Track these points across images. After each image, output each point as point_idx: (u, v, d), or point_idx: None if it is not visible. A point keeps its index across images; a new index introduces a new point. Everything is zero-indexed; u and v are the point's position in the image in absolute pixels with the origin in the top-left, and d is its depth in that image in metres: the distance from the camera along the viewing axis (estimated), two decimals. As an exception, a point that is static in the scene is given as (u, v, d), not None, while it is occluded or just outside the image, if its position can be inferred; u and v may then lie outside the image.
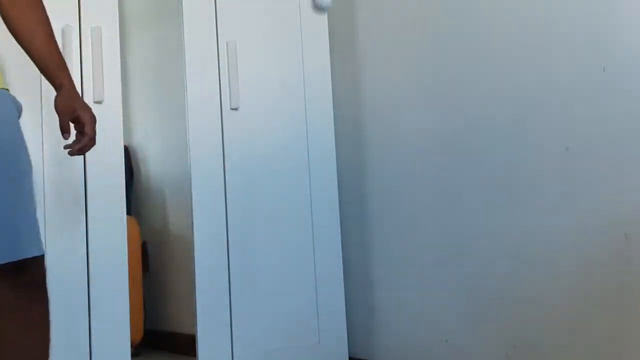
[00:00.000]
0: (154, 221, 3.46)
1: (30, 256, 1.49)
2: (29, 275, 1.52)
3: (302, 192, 2.58)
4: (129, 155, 3.44)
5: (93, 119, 1.70)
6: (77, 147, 1.69)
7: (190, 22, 2.45)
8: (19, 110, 1.62)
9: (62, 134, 1.70)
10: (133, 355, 2.31)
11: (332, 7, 2.67)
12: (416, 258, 2.53)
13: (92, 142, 1.70)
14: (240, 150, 2.48)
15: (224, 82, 2.47)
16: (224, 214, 2.43)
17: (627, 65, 1.93)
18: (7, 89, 1.60)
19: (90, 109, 1.72)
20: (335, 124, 2.67)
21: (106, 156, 2.22)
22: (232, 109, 2.47)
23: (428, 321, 2.48)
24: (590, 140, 2.02)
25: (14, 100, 1.60)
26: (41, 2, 1.70)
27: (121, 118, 2.30)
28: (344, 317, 2.62)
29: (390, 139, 2.65)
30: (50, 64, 1.69)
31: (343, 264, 2.63)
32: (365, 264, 2.71)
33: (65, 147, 1.71)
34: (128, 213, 2.34)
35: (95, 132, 1.70)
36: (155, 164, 3.47)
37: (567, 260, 2.06)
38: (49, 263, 1.56)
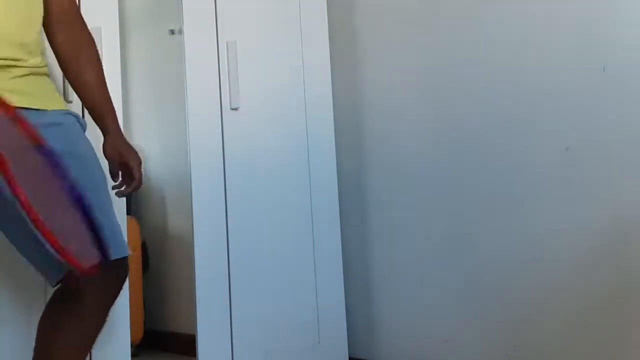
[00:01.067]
0: (154, 221, 3.46)
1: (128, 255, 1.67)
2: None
3: (302, 192, 2.58)
4: (129, 156, 3.43)
5: (140, 163, 1.80)
6: (127, 190, 1.80)
7: (190, 22, 2.45)
8: (83, 127, 1.73)
9: (112, 178, 1.79)
10: (133, 355, 2.31)
11: None
12: (416, 258, 2.53)
13: (139, 184, 1.80)
14: (240, 150, 2.48)
15: (224, 82, 2.47)
16: (224, 213, 2.43)
17: (627, 65, 1.93)
18: (69, 109, 1.71)
19: (137, 152, 1.81)
20: (335, 123, 2.67)
21: (106, 156, 2.21)
22: (232, 109, 2.47)
23: (428, 321, 2.48)
24: (590, 140, 2.02)
25: (78, 119, 1.72)
26: (95, 45, 1.80)
27: (121, 118, 2.29)
28: (344, 317, 2.62)
29: (390, 139, 2.65)
30: (100, 109, 1.79)
31: (343, 264, 2.63)
32: (365, 264, 2.71)
33: (114, 188, 1.80)
34: (128, 213, 2.34)
35: (142, 174, 1.80)
36: (155, 164, 3.47)
37: (567, 260, 2.06)
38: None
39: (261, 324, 2.45)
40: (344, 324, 2.61)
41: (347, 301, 2.65)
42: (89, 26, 2.24)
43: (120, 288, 1.70)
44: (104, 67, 2.26)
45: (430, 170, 2.48)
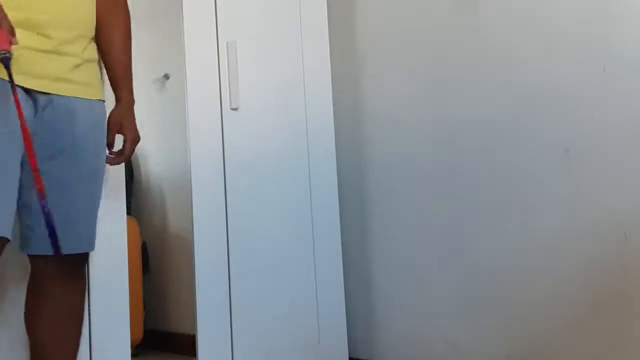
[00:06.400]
0: (154, 221, 3.46)
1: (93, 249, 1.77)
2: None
3: (302, 192, 2.58)
4: (129, 156, 3.43)
5: (134, 140, 1.84)
6: (111, 161, 1.84)
7: (190, 22, 2.45)
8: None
9: (107, 147, 1.83)
10: (133, 355, 2.31)
11: None
12: (416, 258, 2.53)
13: (125, 160, 1.85)
14: (240, 150, 2.48)
15: (224, 82, 2.47)
16: (224, 213, 2.43)
17: (627, 65, 1.93)
18: (104, 101, 1.77)
19: (136, 130, 1.85)
20: (335, 124, 2.67)
21: (106, 156, 2.21)
22: (232, 109, 2.47)
23: (428, 321, 2.48)
24: (590, 140, 2.02)
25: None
26: (128, 16, 1.86)
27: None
28: (344, 317, 2.62)
29: (390, 139, 2.65)
30: (117, 75, 1.82)
31: (343, 264, 2.63)
32: (365, 264, 2.71)
33: (108, 158, 1.85)
34: (128, 213, 2.34)
35: (132, 152, 1.85)
36: (155, 164, 3.47)
37: (567, 260, 2.06)
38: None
39: (261, 324, 2.45)
40: (344, 324, 2.61)
41: (347, 301, 2.65)
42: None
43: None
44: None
45: (430, 170, 2.48)
